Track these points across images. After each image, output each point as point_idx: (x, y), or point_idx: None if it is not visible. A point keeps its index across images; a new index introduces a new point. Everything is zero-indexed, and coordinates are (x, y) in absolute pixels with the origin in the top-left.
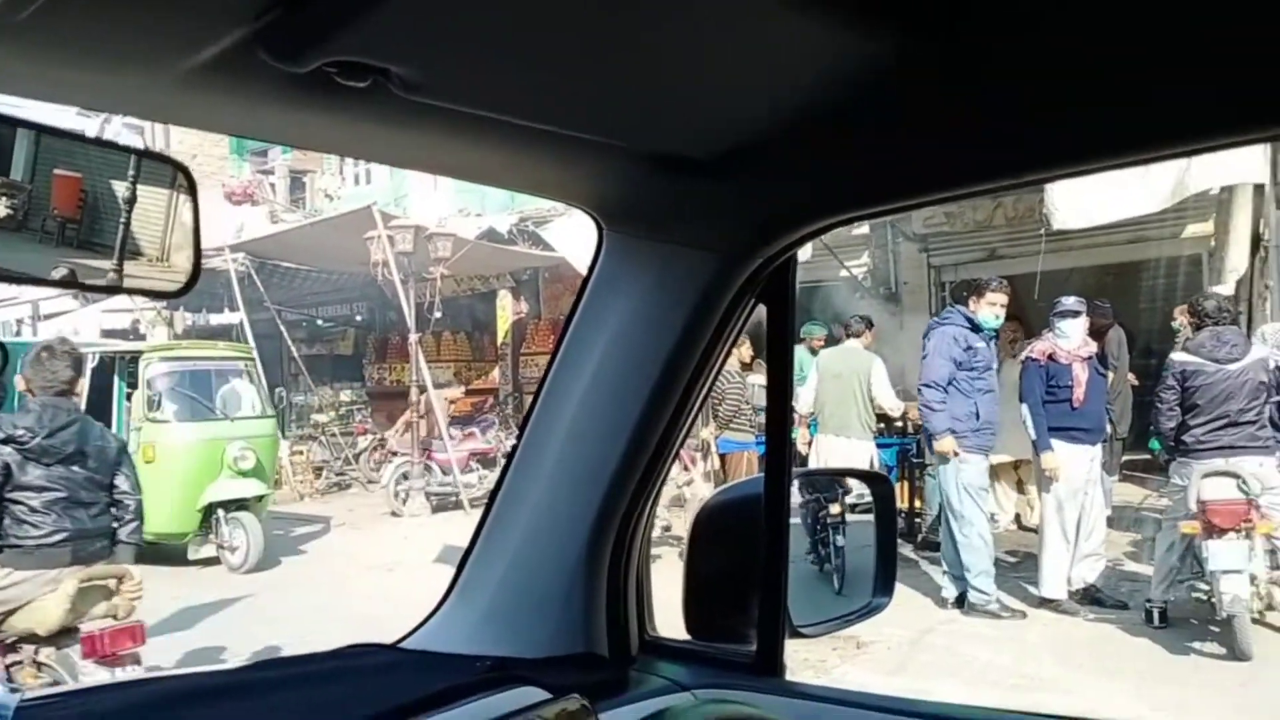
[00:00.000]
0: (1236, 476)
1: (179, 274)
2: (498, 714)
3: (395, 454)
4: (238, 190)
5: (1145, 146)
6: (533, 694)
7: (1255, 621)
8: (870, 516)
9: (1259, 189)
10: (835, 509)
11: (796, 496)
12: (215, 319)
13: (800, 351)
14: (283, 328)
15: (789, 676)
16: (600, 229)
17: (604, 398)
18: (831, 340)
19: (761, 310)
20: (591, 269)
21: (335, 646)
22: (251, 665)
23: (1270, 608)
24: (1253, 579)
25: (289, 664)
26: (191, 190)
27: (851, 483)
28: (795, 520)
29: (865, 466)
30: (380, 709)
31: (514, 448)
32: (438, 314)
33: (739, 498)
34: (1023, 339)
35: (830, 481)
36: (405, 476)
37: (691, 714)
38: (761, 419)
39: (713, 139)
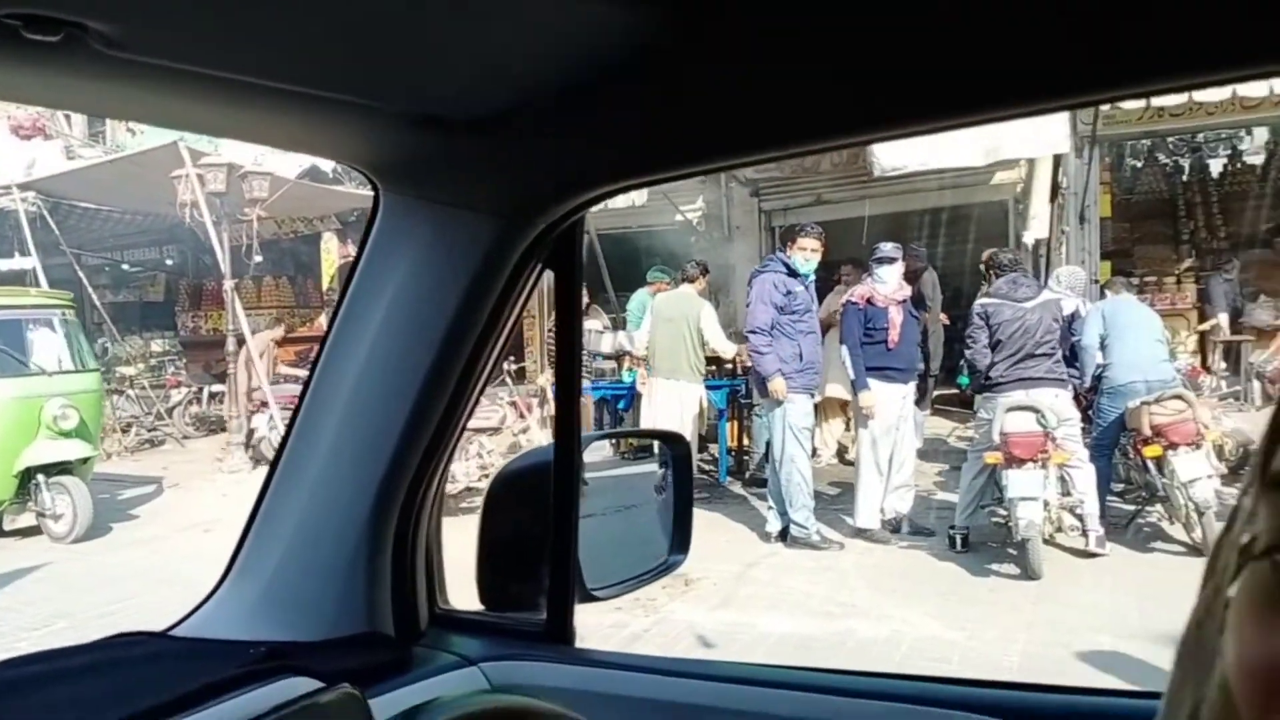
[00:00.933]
0: (1036, 411)
1: None
2: (260, 709)
3: (266, 405)
4: (26, 123)
5: (920, 117)
6: (301, 684)
7: (1046, 543)
8: None
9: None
10: None
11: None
12: (4, 264)
13: (645, 295)
14: (82, 273)
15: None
16: (376, 190)
17: (384, 365)
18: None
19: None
20: (368, 232)
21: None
22: (5, 662)
23: (1059, 530)
24: (1046, 505)
25: (45, 659)
26: None
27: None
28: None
29: (695, 408)
30: (133, 709)
31: (292, 418)
32: (257, 258)
33: (533, 464)
34: None
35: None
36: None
37: (464, 697)
38: (599, 364)
39: (484, 101)
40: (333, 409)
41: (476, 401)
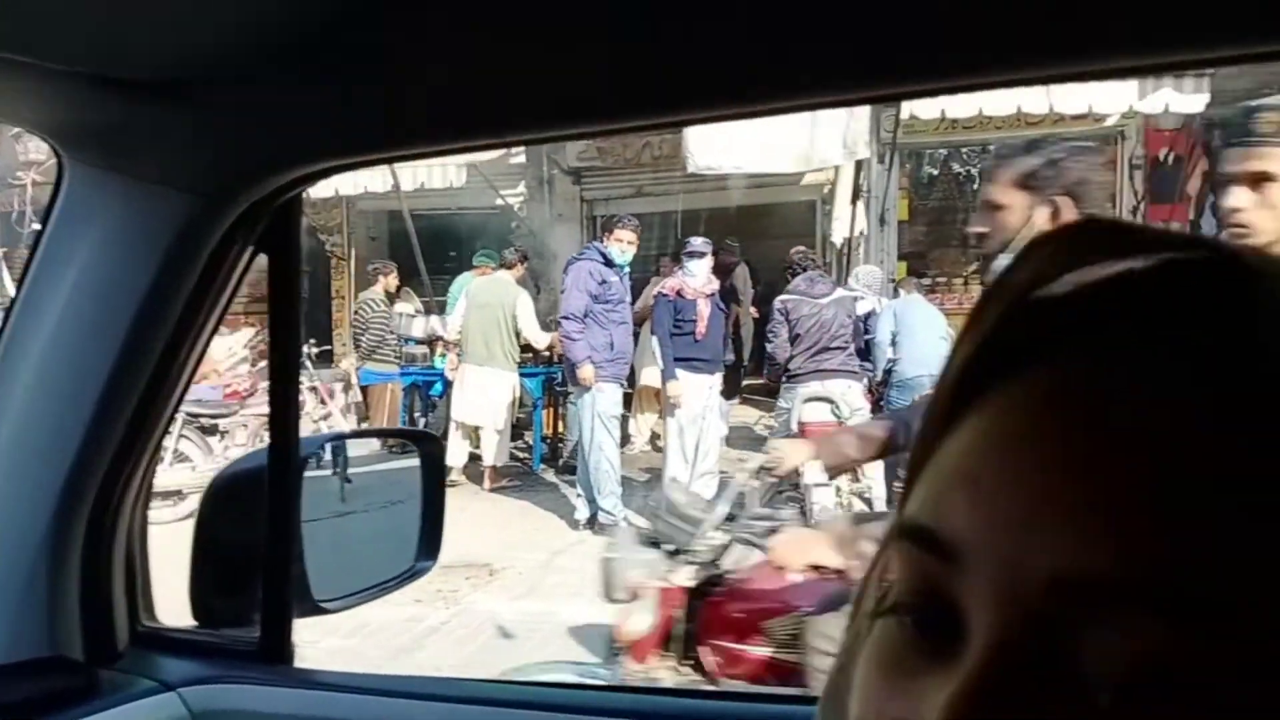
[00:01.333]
0: (830, 401)
1: None
2: None
3: None
4: None
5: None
6: None
7: None
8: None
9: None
10: None
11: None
12: None
13: (469, 279)
14: None
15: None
16: (60, 159)
17: (69, 354)
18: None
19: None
20: (51, 205)
21: None
22: None
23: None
24: (838, 490)
25: None
26: None
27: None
28: None
29: (508, 396)
30: None
31: None
32: (34, 226)
33: (257, 466)
34: None
35: None
36: None
37: None
38: (409, 349)
39: (175, 63)
40: (9, 405)
41: (183, 394)
